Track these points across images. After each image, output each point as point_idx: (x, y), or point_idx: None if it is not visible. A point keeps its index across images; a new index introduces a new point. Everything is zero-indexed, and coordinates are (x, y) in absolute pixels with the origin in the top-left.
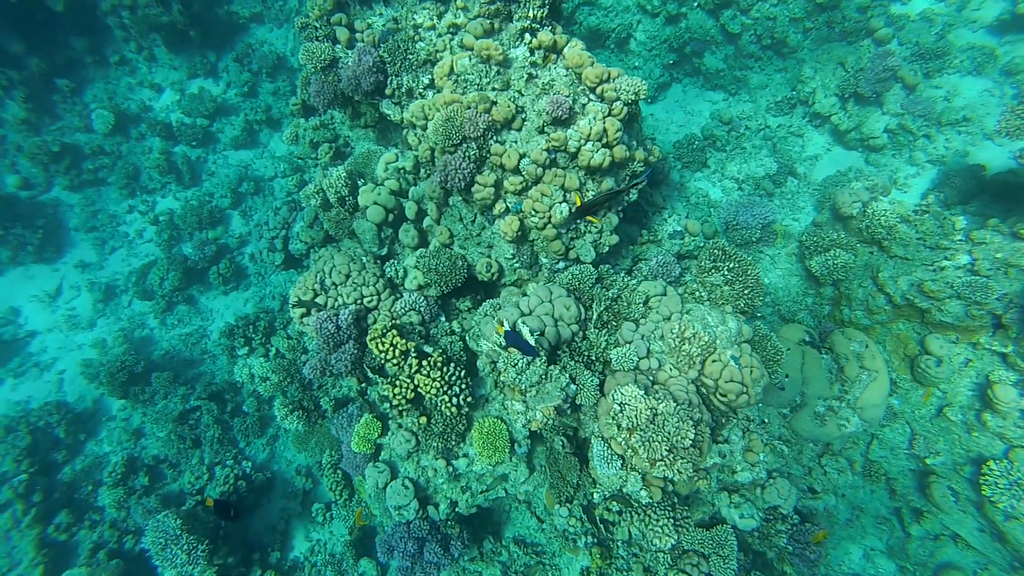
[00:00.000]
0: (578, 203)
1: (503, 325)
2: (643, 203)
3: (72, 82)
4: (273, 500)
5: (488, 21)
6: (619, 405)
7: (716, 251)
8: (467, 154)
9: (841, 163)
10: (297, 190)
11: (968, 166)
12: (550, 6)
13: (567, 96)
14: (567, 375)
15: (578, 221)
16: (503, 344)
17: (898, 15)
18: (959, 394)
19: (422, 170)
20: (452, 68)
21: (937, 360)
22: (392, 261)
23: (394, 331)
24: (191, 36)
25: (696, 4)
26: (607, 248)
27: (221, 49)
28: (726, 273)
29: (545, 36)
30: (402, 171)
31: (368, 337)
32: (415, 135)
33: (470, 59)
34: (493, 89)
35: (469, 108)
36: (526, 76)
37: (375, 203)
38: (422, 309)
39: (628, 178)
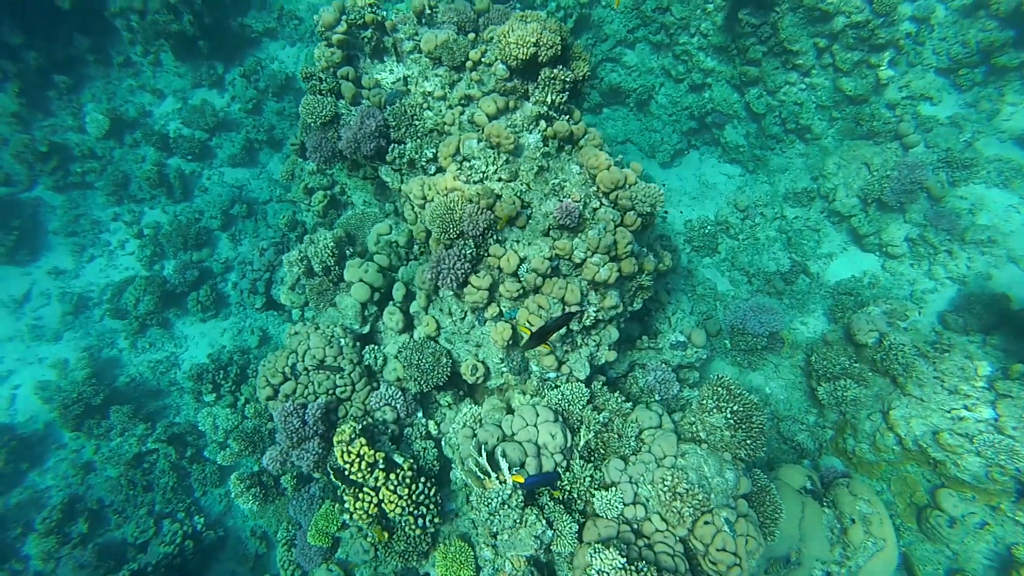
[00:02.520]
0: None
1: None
2: (646, 299)
3: (71, 79)
4: (223, 562)
5: (503, 99)
6: (596, 573)
7: (720, 389)
8: (463, 253)
9: (857, 264)
10: (287, 228)
11: (992, 294)
12: (570, 91)
13: (577, 202)
14: (544, 520)
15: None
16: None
17: (927, 117)
18: (973, 560)
19: (416, 246)
20: (459, 148)
21: (949, 519)
22: (372, 348)
23: (362, 440)
24: (200, 46)
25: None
26: (604, 362)
27: (230, 61)
28: (729, 416)
29: (561, 126)
30: (394, 245)
31: (335, 439)
32: (411, 209)
33: (479, 140)
34: (499, 179)
35: (471, 202)
36: (536, 168)
37: (362, 280)
38: (398, 406)
39: (636, 289)
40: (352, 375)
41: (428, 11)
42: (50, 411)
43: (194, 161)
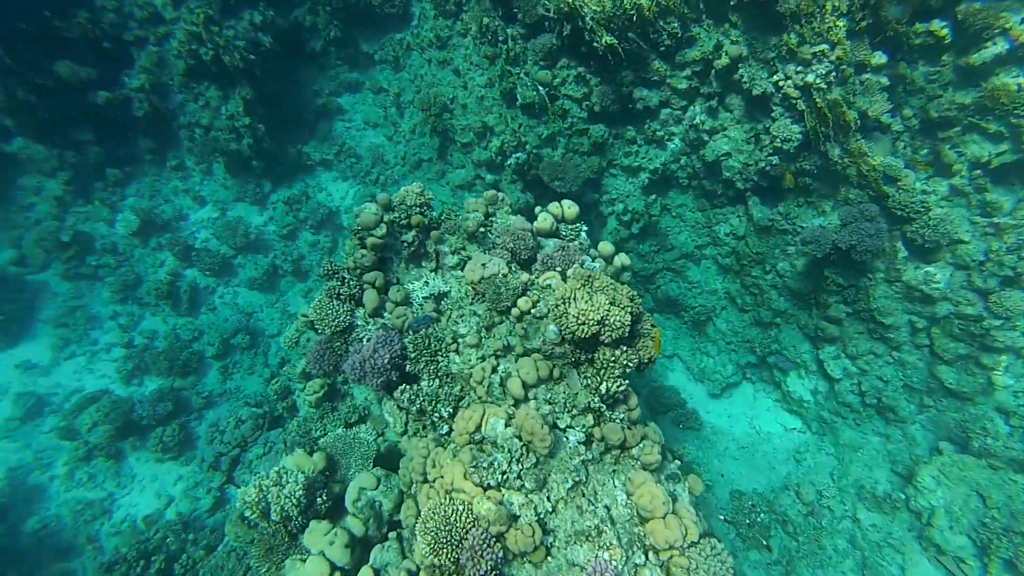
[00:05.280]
0: None
1: None
2: None
3: (122, 174)
4: None
5: (547, 364)
6: None
7: None
8: None
9: None
10: (277, 397)
11: None
12: (630, 383)
13: (615, 562)
14: None
15: None
16: None
17: None
18: None
19: (402, 515)
20: (480, 426)
21: None
22: None
23: None
24: (253, 165)
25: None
26: None
27: (279, 183)
28: None
29: (612, 434)
30: (377, 507)
31: None
32: (408, 472)
33: (506, 424)
34: (522, 486)
35: (477, 522)
36: (572, 482)
37: (323, 553)
38: None
39: None
40: None
41: (483, 225)
42: None
43: (211, 276)
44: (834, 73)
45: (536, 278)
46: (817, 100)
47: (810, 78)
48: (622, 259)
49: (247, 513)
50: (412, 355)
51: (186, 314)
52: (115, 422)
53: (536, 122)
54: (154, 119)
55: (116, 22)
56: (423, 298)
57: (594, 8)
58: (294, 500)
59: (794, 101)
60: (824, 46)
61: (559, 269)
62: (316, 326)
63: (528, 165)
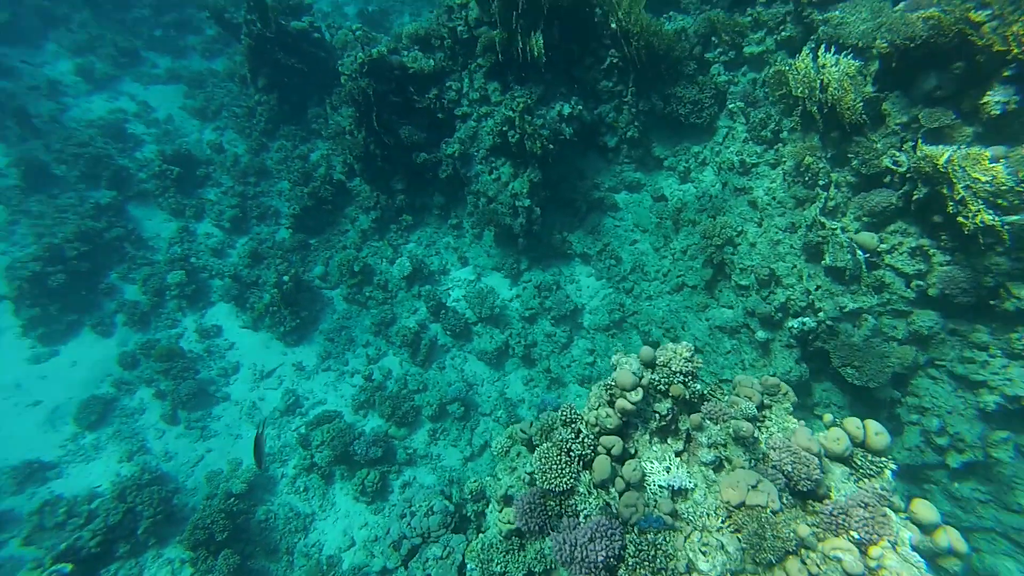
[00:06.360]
0: None
1: None
2: None
3: (413, 220)
4: None
5: None
6: None
7: None
8: None
9: None
10: (471, 496)
11: None
12: None
13: None
14: None
15: None
16: None
17: None
18: None
19: None
20: None
21: None
22: None
23: None
24: (519, 241)
25: None
26: None
27: (535, 263)
28: None
29: None
30: None
31: None
32: None
33: None
34: None
35: None
36: None
37: None
38: None
39: None
40: None
41: (755, 418)
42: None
43: (451, 336)
44: None
45: (819, 539)
46: None
47: None
48: (951, 538)
49: None
50: (631, 562)
51: (420, 365)
52: (336, 449)
53: (842, 288)
54: (452, 181)
55: (453, 99)
56: (659, 487)
57: (977, 178)
58: None
59: None
60: None
61: (857, 538)
62: (536, 477)
63: (815, 335)
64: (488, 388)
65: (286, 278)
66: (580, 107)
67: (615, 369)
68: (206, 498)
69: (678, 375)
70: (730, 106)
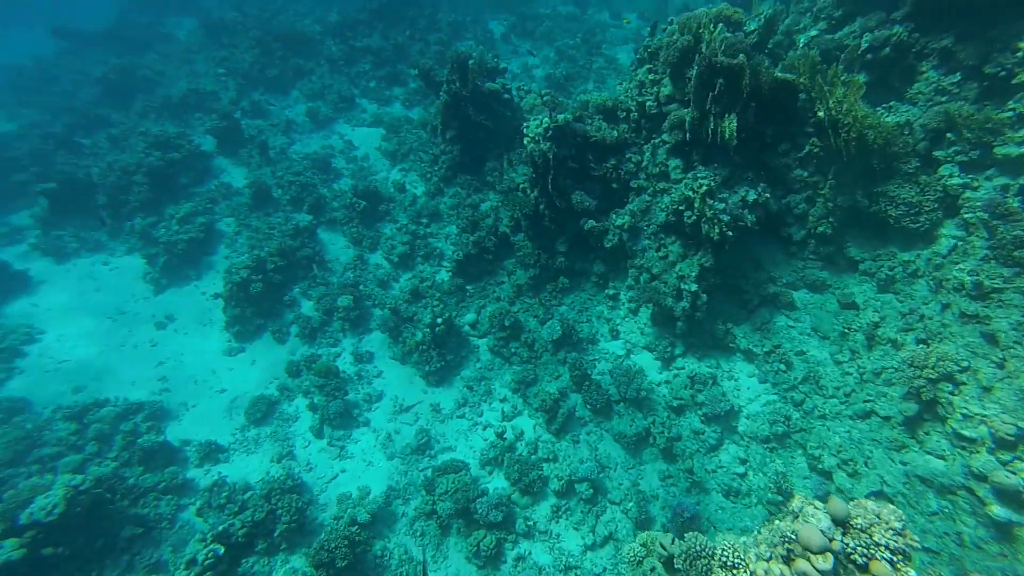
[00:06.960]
0: None
1: None
2: None
3: (569, 284)
4: None
5: None
6: None
7: None
8: None
9: None
10: None
11: None
12: None
13: None
14: None
15: None
16: None
17: None
18: None
19: None
20: None
21: None
22: None
23: None
24: (677, 325)
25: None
26: None
27: (691, 351)
28: None
29: None
30: None
31: None
32: None
33: None
34: None
35: None
36: None
37: None
38: None
39: None
40: None
41: None
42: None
43: (591, 411)
44: None
45: None
46: None
47: None
48: None
49: None
50: None
51: (554, 434)
52: (458, 503)
53: None
54: (616, 252)
55: (631, 171)
56: None
57: None
58: None
59: None
60: None
61: None
62: None
63: None
64: (621, 474)
65: (440, 320)
66: (767, 195)
67: (796, 517)
68: (334, 518)
69: (883, 549)
70: (966, 215)
